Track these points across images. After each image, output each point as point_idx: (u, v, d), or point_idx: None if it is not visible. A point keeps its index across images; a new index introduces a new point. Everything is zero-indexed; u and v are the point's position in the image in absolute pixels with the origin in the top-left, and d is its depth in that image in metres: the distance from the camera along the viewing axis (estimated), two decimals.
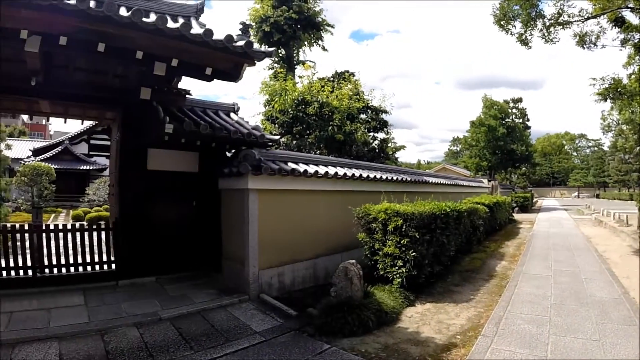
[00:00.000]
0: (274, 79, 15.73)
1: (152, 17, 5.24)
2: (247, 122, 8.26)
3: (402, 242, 6.59)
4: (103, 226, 7.35)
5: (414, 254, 6.54)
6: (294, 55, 20.34)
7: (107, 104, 7.56)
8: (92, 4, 4.79)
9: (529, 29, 12.67)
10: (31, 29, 4.84)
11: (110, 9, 4.78)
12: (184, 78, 7.10)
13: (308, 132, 13.11)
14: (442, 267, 7.96)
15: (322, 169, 7.61)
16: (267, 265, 6.84)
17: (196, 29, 5.46)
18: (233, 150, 8.06)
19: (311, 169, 7.37)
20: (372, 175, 9.01)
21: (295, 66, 20.30)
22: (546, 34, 12.60)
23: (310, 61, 20.59)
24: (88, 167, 31.84)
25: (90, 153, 33.76)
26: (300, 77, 17.17)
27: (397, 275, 6.64)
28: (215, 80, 6.34)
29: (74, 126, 38.92)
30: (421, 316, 5.97)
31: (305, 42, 20.89)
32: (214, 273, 7.71)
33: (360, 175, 8.63)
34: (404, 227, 6.61)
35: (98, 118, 9.03)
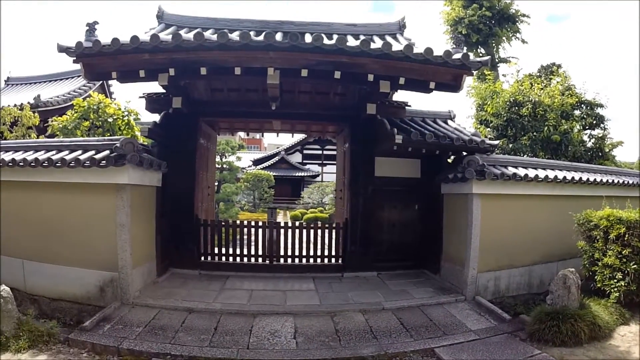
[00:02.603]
0: (477, 80, 15.23)
1: (372, 43, 5.80)
2: (465, 128, 8.34)
3: (623, 252, 5.92)
4: (334, 225, 8.44)
5: (634, 266, 5.82)
6: (494, 53, 19.19)
7: (329, 119, 8.68)
8: (325, 40, 5.63)
9: None
10: (276, 66, 5.92)
11: (342, 42, 5.57)
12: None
13: (522, 133, 12.33)
14: None
15: (541, 173, 7.18)
16: (485, 269, 6.88)
17: (417, 49, 5.86)
18: (453, 157, 8.19)
19: (531, 172, 7.06)
20: (591, 179, 8.04)
21: (497, 64, 19.12)
22: None
23: (513, 57, 19.04)
24: (302, 174, 36.62)
25: (304, 162, 38.68)
26: (504, 75, 16.09)
27: (615, 289, 5.96)
28: (434, 91, 6.59)
29: (285, 139, 44.79)
30: (634, 336, 5.45)
31: (503, 38, 19.36)
32: (431, 273, 8.05)
33: (580, 178, 7.81)
34: (626, 235, 5.94)
35: (321, 132, 10.39)
